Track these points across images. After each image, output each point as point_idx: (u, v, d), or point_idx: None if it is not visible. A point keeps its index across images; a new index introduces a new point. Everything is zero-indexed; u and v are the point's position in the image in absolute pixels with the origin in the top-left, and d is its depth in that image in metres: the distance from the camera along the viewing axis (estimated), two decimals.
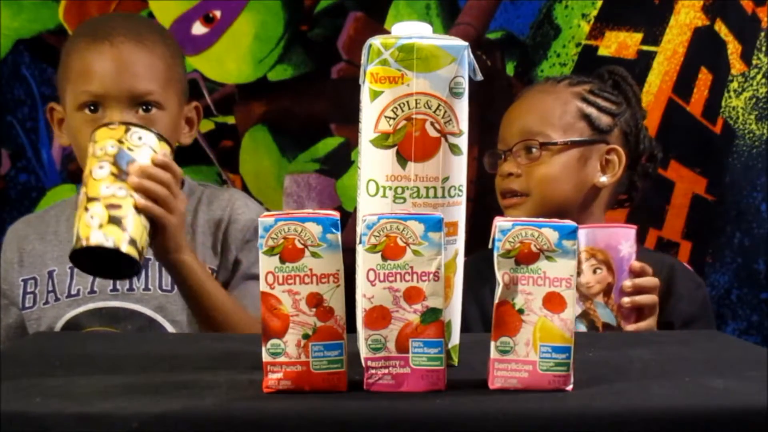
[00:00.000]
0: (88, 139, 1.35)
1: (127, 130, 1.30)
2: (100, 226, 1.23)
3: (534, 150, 1.55)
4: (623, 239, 1.33)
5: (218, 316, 1.41)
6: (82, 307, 1.53)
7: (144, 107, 1.49)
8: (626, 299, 1.30)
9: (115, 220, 1.24)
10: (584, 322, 1.27)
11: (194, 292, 1.39)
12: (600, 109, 1.59)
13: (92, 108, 1.49)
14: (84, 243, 1.22)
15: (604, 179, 1.58)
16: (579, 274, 1.30)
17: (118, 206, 1.25)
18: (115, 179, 1.26)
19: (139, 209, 1.26)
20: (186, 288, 1.40)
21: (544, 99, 1.61)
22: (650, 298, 1.33)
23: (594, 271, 1.30)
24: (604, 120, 1.59)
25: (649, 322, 1.33)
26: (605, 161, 1.58)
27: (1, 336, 1.58)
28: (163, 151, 1.32)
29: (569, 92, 1.61)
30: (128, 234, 1.24)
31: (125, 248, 1.22)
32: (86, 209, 1.24)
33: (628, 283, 1.31)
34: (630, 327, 1.30)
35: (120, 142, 1.29)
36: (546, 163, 1.56)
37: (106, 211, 1.24)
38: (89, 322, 1.52)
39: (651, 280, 1.35)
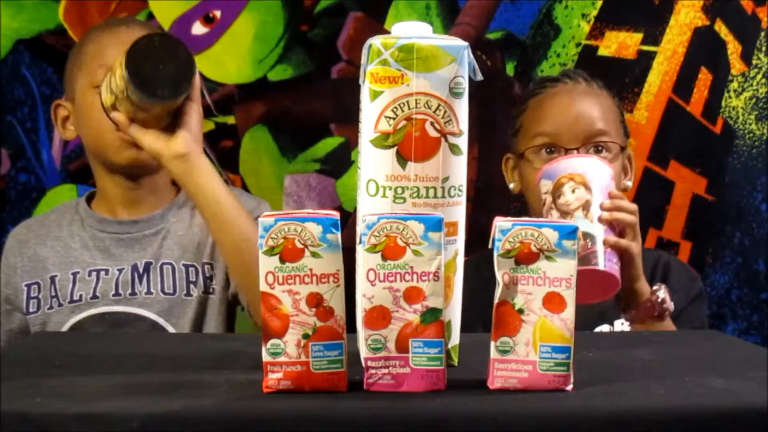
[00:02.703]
0: (100, 111, 1.45)
1: None
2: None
3: (604, 152, 1.53)
4: (601, 167, 1.35)
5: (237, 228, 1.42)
6: (85, 313, 1.53)
7: None
8: (605, 214, 1.31)
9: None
10: None
11: (210, 199, 1.41)
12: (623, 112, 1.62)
13: None
14: (159, 30, 1.35)
15: (629, 183, 1.59)
16: (559, 196, 1.31)
17: None
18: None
19: None
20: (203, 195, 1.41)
21: (596, 101, 1.59)
22: (630, 217, 1.34)
23: (573, 191, 1.31)
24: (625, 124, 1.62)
25: (630, 242, 1.33)
26: (625, 165, 1.59)
27: (1, 341, 1.58)
28: None
29: (608, 95, 1.61)
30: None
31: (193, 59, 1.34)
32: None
33: (606, 201, 1.32)
34: (611, 239, 1.30)
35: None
36: None
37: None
38: (93, 327, 1.52)
39: (631, 204, 1.35)
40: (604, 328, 1.53)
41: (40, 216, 1.69)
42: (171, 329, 1.51)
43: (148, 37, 1.34)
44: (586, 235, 1.27)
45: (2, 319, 1.58)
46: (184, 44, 1.36)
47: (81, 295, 1.53)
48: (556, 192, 1.32)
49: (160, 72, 1.33)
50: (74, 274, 1.54)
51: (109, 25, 1.59)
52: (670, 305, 1.38)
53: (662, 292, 1.38)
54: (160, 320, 1.52)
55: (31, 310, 1.55)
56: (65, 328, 1.53)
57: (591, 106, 1.58)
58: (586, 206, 1.30)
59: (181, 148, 1.39)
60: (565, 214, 1.30)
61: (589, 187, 1.31)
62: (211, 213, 1.42)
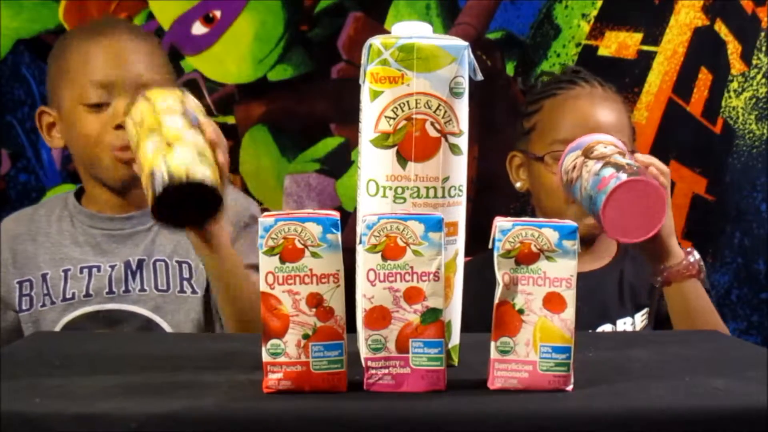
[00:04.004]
0: (93, 130, 1.47)
1: (184, 93, 1.26)
2: (194, 162, 1.18)
3: None
4: (619, 141, 1.37)
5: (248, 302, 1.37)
6: (78, 311, 1.52)
7: None
8: (641, 158, 1.32)
9: (206, 162, 1.19)
10: (608, 166, 1.28)
11: (230, 272, 1.35)
12: None
13: (97, 105, 1.49)
14: (185, 179, 1.15)
15: None
16: (592, 152, 1.32)
17: (204, 153, 1.20)
18: (195, 130, 1.22)
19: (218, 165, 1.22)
20: (223, 268, 1.35)
21: (613, 108, 1.59)
22: (664, 167, 1.35)
23: (605, 147, 1.33)
24: None
25: (664, 184, 1.34)
26: None
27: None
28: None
29: (621, 101, 1.62)
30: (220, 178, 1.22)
31: (220, 190, 1.19)
32: (170, 145, 1.18)
33: (638, 154, 1.33)
34: (653, 170, 1.31)
35: (182, 102, 1.25)
36: None
37: (197, 154, 1.18)
38: (87, 325, 1.51)
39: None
40: (607, 327, 1.53)
41: (28, 209, 1.66)
42: (166, 326, 1.51)
43: (169, 189, 1.16)
44: (629, 164, 1.27)
45: None
46: (205, 183, 1.18)
47: (74, 293, 1.52)
48: (588, 151, 1.33)
49: (186, 214, 1.21)
50: (65, 272, 1.53)
51: (92, 32, 1.55)
52: (704, 267, 1.39)
53: (696, 254, 1.39)
54: (155, 317, 1.51)
55: (23, 307, 1.54)
56: (59, 326, 1.52)
57: (609, 115, 1.57)
58: (621, 153, 1.31)
59: (211, 239, 1.33)
60: (602, 158, 1.31)
61: (617, 146, 1.33)
62: (223, 285, 1.38)
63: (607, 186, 1.23)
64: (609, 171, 1.27)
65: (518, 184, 1.63)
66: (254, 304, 1.34)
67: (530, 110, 1.62)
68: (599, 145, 1.35)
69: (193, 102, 1.27)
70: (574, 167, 1.34)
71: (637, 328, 1.53)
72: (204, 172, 1.17)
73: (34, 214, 1.62)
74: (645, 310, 1.54)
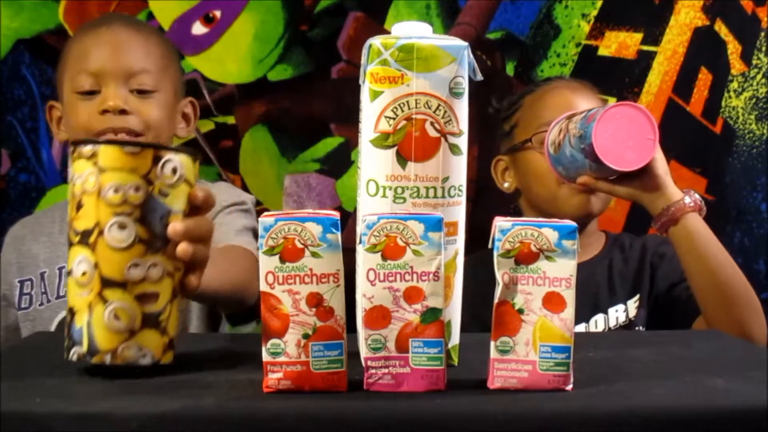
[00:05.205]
0: (83, 118, 1.47)
1: (155, 160, 0.88)
2: (131, 332, 0.89)
3: None
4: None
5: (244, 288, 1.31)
6: None
7: (138, 91, 1.51)
8: None
9: (151, 321, 0.89)
10: (594, 108, 1.37)
11: (222, 295, 1.26)
12: None
13: (89, 93, 1.51)
14: (108, 359, 0.88)
15: None
16: (575, 114, 1.40)
17: (154, 297, 0.89)
18: (146, 250, 0.88)
19: (176, 290, 0.92)
20: (215, 300, 1.34)
21: (591, 96, 1.63)
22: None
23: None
24: None
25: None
26: None
27: (0, 337, 1.58)
28: (196, 174, 0.93)
29: (598, 96, 1.66)
30: (167, 336, 0.92)
31: (165, 358, 0.92)
32: (104, 300, 0.88)
33: None
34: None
35: (147, 181, 0.88)
36: None
37: (139, 308, 0.89)
38: None
39: None
40: (599, 317, 1.54)
41: (37, 213, 1.71)
42: None
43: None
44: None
45: (1, 316, 1.59)
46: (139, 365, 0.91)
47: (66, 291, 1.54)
48: (572, 116, 1.39)
49: None
50: (60, 269, 1.55)
51: (92, 26, 1.58)
52: (704, 205, 1.41)
53: (695, 193, 1.41)
54: None
55: (23, 306, 1.56)
56: (54, 323, 1.53)
57: (589, 104, 1.60)
58: None
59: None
60: (586, 110, 1.37)
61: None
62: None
63: (595, 116, 1.27)
64: (595, 109, 1.33)
65: (506, 185, 1.69)
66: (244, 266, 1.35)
67: (509, 112, 1.68)
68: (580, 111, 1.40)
69: (169, 171, 0.90)
70: (560, 131, 1.38)
71: (631, 315, 1.55)
72: (140, 346, 0.90)
73: (41, 217, 1.66)
74: (636, 297, 1.56)
